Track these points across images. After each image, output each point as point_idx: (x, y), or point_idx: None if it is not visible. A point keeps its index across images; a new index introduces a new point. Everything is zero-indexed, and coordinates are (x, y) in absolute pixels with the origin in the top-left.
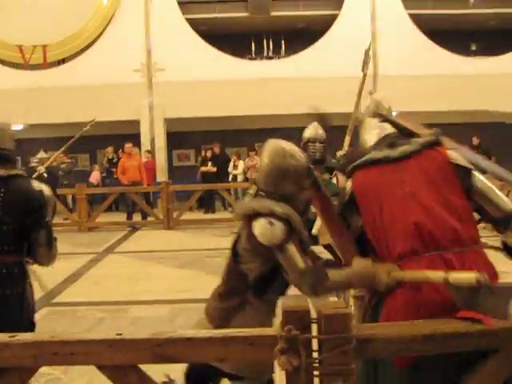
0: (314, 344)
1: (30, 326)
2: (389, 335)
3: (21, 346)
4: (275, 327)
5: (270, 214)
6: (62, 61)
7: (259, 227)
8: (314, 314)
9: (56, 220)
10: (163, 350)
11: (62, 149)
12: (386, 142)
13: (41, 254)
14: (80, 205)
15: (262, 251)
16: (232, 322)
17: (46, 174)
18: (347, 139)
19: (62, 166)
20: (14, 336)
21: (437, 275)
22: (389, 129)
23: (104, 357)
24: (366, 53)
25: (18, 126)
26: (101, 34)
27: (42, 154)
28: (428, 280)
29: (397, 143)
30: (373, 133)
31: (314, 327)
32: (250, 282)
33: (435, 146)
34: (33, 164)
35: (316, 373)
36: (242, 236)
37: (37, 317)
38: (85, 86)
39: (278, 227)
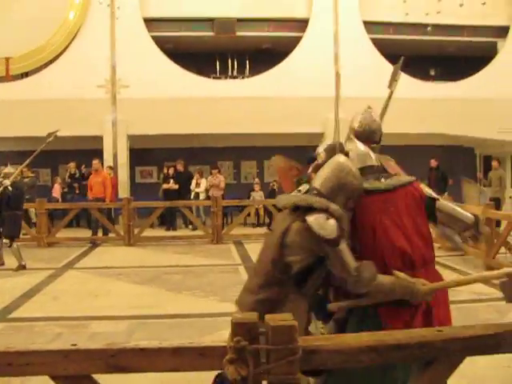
0: (262, 355)
1: None
2: (333, 347)
3: None
4: (226, 339)
5: (326, 210)
6: (26, 74)
7: (316, 221)
8: None
9: None
10: (117, 360)
11: (27, 161)
12: (371, 173)
13: None
14: (40, 220)
15: (311, 244)
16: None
17: (10, 188)
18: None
19: (26, 180)
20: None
21: (469, 278)
22: (373, 159)
23: (59, 367)
24: (395, 70)
25: None
26: (66, 48)
27: (8, 169)
28: (461, 284)
29: (381, 177)
30: (360, 155)
31: (263, 339)
32: (293, 274)
33: (413, 182)
34: None
35: (263, 382)
36: (290, 229)
37: None
38: (48, 100)
39: (333, 223)
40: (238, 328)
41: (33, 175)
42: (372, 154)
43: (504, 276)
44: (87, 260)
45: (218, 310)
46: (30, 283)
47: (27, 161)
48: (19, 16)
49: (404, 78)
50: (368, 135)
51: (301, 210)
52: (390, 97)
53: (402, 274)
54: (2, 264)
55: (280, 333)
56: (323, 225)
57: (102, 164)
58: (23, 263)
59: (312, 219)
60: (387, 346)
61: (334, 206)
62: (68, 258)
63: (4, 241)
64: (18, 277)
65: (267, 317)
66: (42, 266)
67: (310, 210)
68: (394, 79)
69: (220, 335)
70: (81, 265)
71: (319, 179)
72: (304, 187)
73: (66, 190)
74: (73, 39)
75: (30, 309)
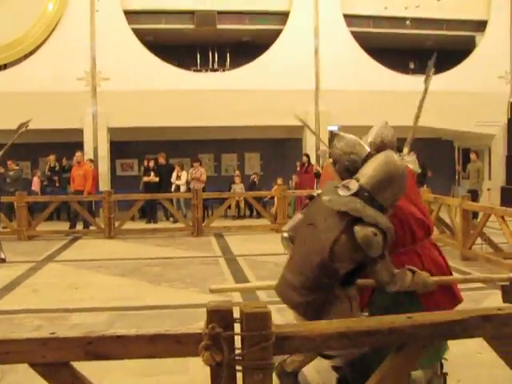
0: (237, 341)
1: None
2: (306, 333)
3: None
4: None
5: (375, 225)
6: (4, 66)
7: (365, 238)
8: None
9: None
10: (94, 347)
11: (1, 153)
12: None
13: None
14: (20, 213)
15: (357, 256)
16: (323, 317)
17: None
18: (406, 151)
19: (10, 173)
20: None
21: (475, 277)
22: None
23: (37, 355)
24: (429, 66)
25: None
26: (45, 40)
27: None
28: (468, 282)
29: None
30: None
31: (237, 326)
32: (339, 278)
33: None
34: None
35: (238, 368)
36: (340, 240)
37: None
38: (28, 93)
39: (380, 240)
40: (212, 315)
41: (17, 168)
42: None
43: (508, 281)
44: (67, 253)
45: (197, 301)
46: (9, 276)
47: (1, 152)
48: None
49: (383, 70)
50: (381, 147)
51: (350, 218)
52: (425, 92)
53: (416, 270)
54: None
55: (254, 319)
56: (371, 242)
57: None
58: (3, 256)
59: (361, 236)
60: (357, 332)
61: (381, 220)
62: (48, 250)
63: None
64: None
65: (241, 304)
66: (22, 259)
67: (359, 220)
68: (428, 75)
69: (199, 326)
70: (61, 258)
71: (368, 177)
72: (353, 184)
73: (45, 183)
74: (52, 31)
75: (9, 301)
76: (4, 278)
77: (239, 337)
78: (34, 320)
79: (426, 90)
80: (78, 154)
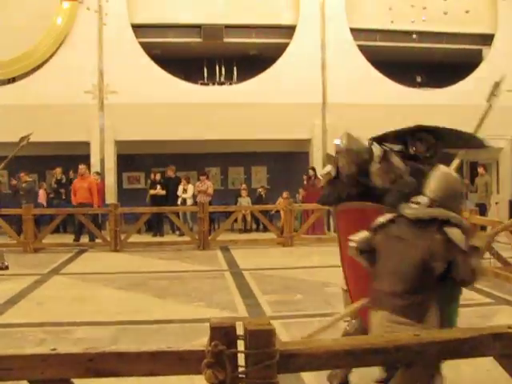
0: (240, 359)
1: None
2: (311, 351)
3: None
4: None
5: (459, 225)
6: (13, 79)
7: (458, 235)
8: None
9: (1, 240)
10: (95, 364)
11: (2, 165)
12: None
13: None
14: (26, 225)
15: (448, 253)
16: (425, 317)
17: None
18: (457, 163)
19: (23, 185)
20: None
21: None
22: None
23: (38, 371)
24: (496, 85)
25: None
26: (53, 53)
27: None
28: None
29: None
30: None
31: (241, 343)
32: (435, 278)
33: None
34: None
35: None
36: (435, 240)
37: None
38: (35, 106)
39: (465, 237)
40: (215, 332)
41: (30, 180)
42: None
43: None
44: (73, 266)
45: (203, 315)
46: (14, 289)
47: (2, 164)
48: (7, 21)
49: (390, 84)
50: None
51: (438, 222)
52: (487, 110)
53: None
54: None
55: (257, 337)
56: (462, 238)
57: (89, 169)
58: (6, 264)
59: (454, 233)
60: (363, 350)
61: (464, 222)
62: (54, 263)
63: None
64: (3, 283)
65: (244, 321)
66: (28, 272)
67: (446, 222)
68: (493, 94)
69: (204, 342)
70: (67, 270)
71: (434, 191)
72: (422, 198)
73: (52, 195)
74: (61, 44)
75: (13, 315)
76: (9, 291)
77: (242, 354)
78: (37, 334)
79: (488, 108)
80: (81, 166)
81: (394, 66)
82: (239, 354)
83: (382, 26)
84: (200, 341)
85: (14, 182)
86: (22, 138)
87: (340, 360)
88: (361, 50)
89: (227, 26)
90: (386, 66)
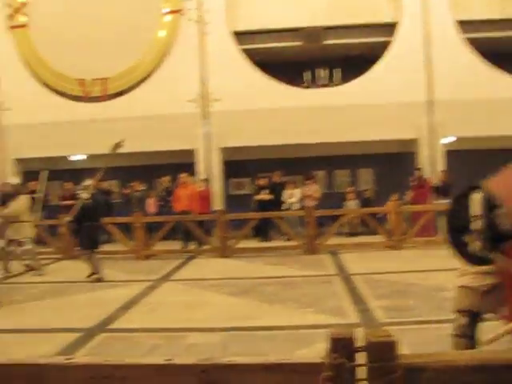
0: (361, 372)
1: None
2: (438, 365)
3: (76, 368)
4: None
5: None
6: (120, 93)
7: None
8: None
9: (114, 247)
10: (208, 375)
11: (98, 176)
12: None
13: None
14: (137, 233)
15: None
16: None
17: (89, 200)
18: None
19: (136, 193)
20: (70, 359)
21: None
22: None
23: (153, 381)
24: None
25: (78, 156)
26: (157, 65)
27: (87, 182)
28: None
29: None
30: None
31: (361, 355)
32: None
33: None
34: (78, 191)
35: None
36: None
37: (94, 342)
38: (142, 117)
39: None
40: (335, 344)
41: (143, 188)
42: None
43: None
44: (183, 272)
45: (312, 322)
46: (128, 295)
47: (99, 174)
48: (114, 37)
49: (501, 76)
50: None
51: None
52: None
53: None
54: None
55: (379, 349)
56: None
57: (195, 177)
58: (100, 275)
59: None
60: (498, 366)
61: None
62: (165, 270)
63: (84, 251)
64: (118, 289)
65: (367, 332)
66: (140, 278)
67: None
68: None
69: (315, 349)
70: (177, 277)
71: None
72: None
73: (161, 203)
74: (164, 56)
75: (127, 320)
76: (122, 297)
77: (360, 367)
78: (150, 339)
79: None
80: (182, 175)
81: (508, 57)
82: (359, 368)
83: (492, 15)
84: (311, 348)
85: (126, 191)
86: (115, 146)
87: (470, 376)
88: (471, 43)
89: (327, 28)
90: (499, 58)
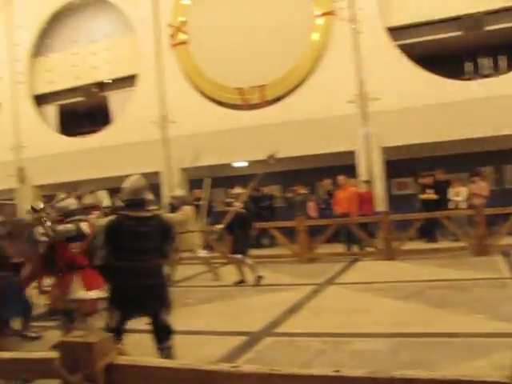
0: None
1: None
2: None
3: (241, 376)
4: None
5: None
6: (278, 99)
7: None
8: None
9: (278, 251)
10: None
11: (252, 184)
12: None
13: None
14: (300, 236)
15: None
16: None
17: (242, 209)
18: None
19: (298, 197)
20: (236, 367)
21: None
22: None
23: None
24: None
25: (240, 163)
26: (313, 69)
27: (237, 190)
28: None
29: None
30: None
31: None
32: None
33: None
34: (229, 199)
35: None
36: None
37: (260, 346)
38: (300, 121)
39: None
40: None
41: (305, 192)
42: None
43: None
44: (347, 275)
45: (487, 329)
46: (294, 298)
47: (252, 183)
48: (267, 45)
49: None
50: None
51: None
52: None
53: None
54: (260, 277)
55: None
56: None
57: (357, 179)
58: (260, 274)
59: None
60: None
61: None
62: (328, 273)
63: (236, 256)
64: (282, 292)
65: None
66: (305, 282)
67: None
68: None
69: (492, 360)
70: (341, 280)
71: None
72: None
73: (323, 206)
74: (319, 59)
75: (294, 324)
76: (288, 300)
77: None
78: (316, 344)
79: None
80: (340, 177)
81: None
82: None
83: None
84: (487, 359)
85: (289, 195)
86: (270, 157)
87: None
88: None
89: (488, 13)
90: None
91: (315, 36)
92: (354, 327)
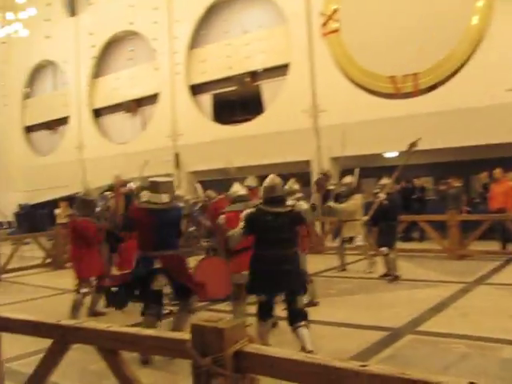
0: None
1: None
2: None
3: (369, 377)
4: None
5: None
6: (433, 87)
7: None
8: None
9: (427, 246)
10: None
11: (395, 174)
12: None
13: None
14: (451, 232)
15: None
16: None
17: (385, 201)
18: None
19: (451, 190)
20: (364, 365)
21: None
22: None
23: None
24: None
25: (391, 153)
26: (471, 55)
27: (384, 181)
28: None
29: None
30: None
31: None
32: None
33: None
34: (375, 190)
35: None
36: None
37: (400, 343)
38: (455, 110)
39: None
40: None
41: (458, 185)
42: None
43: None
44: (501, 275)
45: None
46: (439, 296)
47: (395, 174)
48: (421, 31)
49: None
50: None
51: None
52: None
53: None
54: (396, 277)
55: None
56: None
57: None
58: (396, 274)
59: None
60: None
61: None
62: (480, 272)
63: (381, 249)
64: (427, 289)
65: None
66: (452, 280)
67: None
68: None
69: None
70: (494, 280)
71: None
72: None
73: (477, 200)
74: (478, 44)
75: (437, 323)
76: (433, 298)
77: None
78: (461, 346)
79: None
80: (496, 170)
81: None
82: None
83: None
84: None
85: (442, 187)
86: (412, 145)
87: None
88: None
89: None
90: None
91: (474, 20)
92: (504, 332)
